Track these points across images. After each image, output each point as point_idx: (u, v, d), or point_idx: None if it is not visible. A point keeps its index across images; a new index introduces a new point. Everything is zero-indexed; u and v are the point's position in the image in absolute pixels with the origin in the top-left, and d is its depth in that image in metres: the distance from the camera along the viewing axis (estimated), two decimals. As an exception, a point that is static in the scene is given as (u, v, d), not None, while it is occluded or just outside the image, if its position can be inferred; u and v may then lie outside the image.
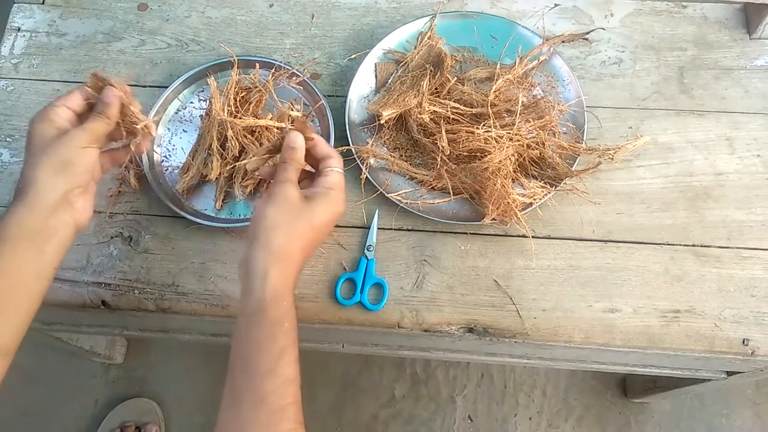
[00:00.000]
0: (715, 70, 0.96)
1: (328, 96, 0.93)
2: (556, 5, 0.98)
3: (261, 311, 0.63)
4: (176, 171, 0.89)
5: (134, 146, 0.74)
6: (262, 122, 0.83)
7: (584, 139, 0.89)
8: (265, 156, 0.72)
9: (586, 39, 0.97)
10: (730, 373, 0.98)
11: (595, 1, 1.01)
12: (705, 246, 0.86)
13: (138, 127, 0.72)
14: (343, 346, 1.01)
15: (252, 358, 0.61)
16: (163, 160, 0.90)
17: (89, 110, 0.71)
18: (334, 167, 0.71)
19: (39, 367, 1.48)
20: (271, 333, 0.62)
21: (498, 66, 0.92)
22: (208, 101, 0.88)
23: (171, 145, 0.91)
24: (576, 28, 0.99)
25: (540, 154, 0.87)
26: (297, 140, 0.70)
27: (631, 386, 1.49)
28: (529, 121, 0.88)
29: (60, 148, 0.66)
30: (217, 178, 0.85)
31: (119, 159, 0.76)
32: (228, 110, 0.84)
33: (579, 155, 0.88)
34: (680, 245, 0.86)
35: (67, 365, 1.49)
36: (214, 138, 0.84)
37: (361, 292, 0.83)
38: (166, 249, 0.86)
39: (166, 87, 0.92)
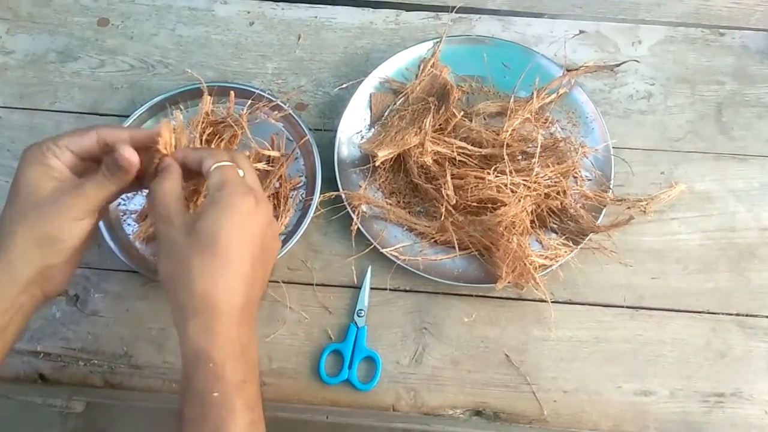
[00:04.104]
0: (758, 108, 0.84)
1: (315, 130, 0.81)
2: (581, 32, 0.85)
3: (185, 382, 0.50)
4: (134, 217, 0.76)
5: None
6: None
7: (611, 186, 0.77)
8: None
9: (614, 71, 0.85)
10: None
11: (620, 27, 0.89)
12: (751, 315, 0.73)
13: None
14: (327, 417, 0.87)
15: None
16: (119, 204, 0.77)
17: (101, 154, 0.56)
18: (212, 165, 0.55)
19: (-9, 415, 1.34)
20: (201, 411, 0.49)
21: (512, 99, 0.79)
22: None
23: (130, 185, 0.78)
24: (599, 57, 0.87)
25: (561, 204, 0.75)
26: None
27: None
28: (548, 166, 0.75)
29: (49, 218, 0.53)
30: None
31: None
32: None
33: (605, 206, 0.75)
34: (723, 314, 0.73)
35: (23, 413, 1.35)
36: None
37: (350, 367, 0.70)
38: (119, 311, 0.72)
39: (128, 116, 0.79)
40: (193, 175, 0.58)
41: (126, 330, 0.72)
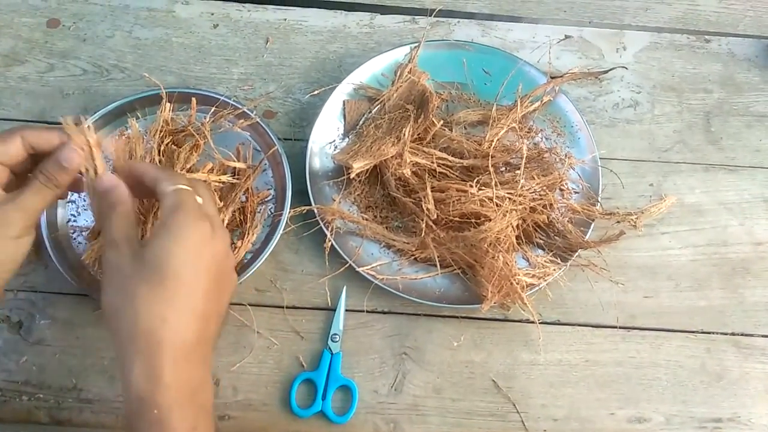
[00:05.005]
0: (747, 117, 0.81)
1: (285, 140, 0.75)
2: (566, 37, 0.81)
3: (128, 429, 0.45)
4: (85, 234, 0.69)
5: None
6: (195, 176, 0.64)
7: (599, 199, 0.73)
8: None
9: (599, 78, 0.81)
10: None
11: (604, 33, 0.86)
12: (747, 335, 0.70)
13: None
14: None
15: None
16: (69, 220, 0.70)
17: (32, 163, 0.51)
18: (168, 187, 0.49)
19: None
20: None
21: (494, 107, 0.75)
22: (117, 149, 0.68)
23: (81, 199, 0.71)
24: (583, 63, 0.83)
25: (547, 218, 0.70)
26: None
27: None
28: (533, 178, 0.71)
29: None
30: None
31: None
32: (152, 159, 0.65)
33: (594, 220, 0.71)
34: (717, 333, 0.70)
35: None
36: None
37: (324, 398, 0.64)
38: (68, 339, 0.66)
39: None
40: (146, 194, 0.52)
41: (75, 360, 0.65)
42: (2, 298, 0.53)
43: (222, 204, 0.67)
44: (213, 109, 0.71)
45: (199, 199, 0.50)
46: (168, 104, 0.69)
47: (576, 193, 0.74)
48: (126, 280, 0.46)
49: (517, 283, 0.64)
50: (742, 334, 0.70)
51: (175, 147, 0.65)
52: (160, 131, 0.65)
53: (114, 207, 0.49)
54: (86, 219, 0.70)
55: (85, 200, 0.71)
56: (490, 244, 0.65)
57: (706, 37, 0.86)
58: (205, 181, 0.66)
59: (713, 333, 0.70)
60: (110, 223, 0.49)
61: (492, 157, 0.70)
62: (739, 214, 0.75)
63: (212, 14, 0.85)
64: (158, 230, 0.47)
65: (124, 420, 0.45)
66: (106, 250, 0.48)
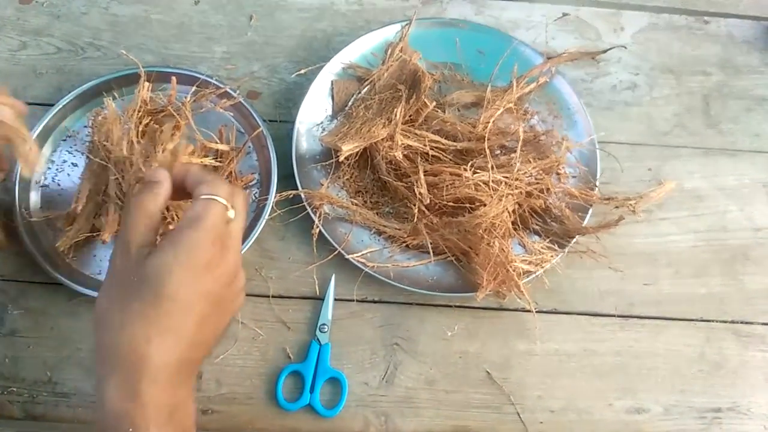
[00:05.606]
0: (746, 100, 0.79)
1: (270, 121, 0.72)
2: (564, 15, 0.79)
3: None
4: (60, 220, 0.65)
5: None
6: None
7: (597, 184, 0.70)
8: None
9: (597, 59, 0.78)
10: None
11: (601, 12, 0.83)
12: (746, 323, 0.68)
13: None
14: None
15: None
16: (42, 206, 0.66)
17: None
18: (202, 194, 0.46)
19: None
20: None
21: (489, 88, 0.72)
22: (95, 129, 0.65)
23: (55, 184, 0.67)
24: (579, 44, 0.80)
25: (544, 203, 0.68)
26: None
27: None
28: (529, 161, 0.68)
29: None
30: (114, 236, 0.62)
31: None
32: (130, 141, 0.61)
33: (592, 205, 0.69)
34: (717, 321, 0.68)
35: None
36: (111, 181, 0.61)
37: (311, 390, 0.61)
38: (42, 330, 0.62)
39: (53, 105, 0.69)
40: (183, 195, 0.49)
41: (50, 352, 0.62)
42: None
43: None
44: (194, 88, 0.67)
45: (231, 213, 0.46)
46: (147, 83, 0.65)
47: (573, 177, 0.71)
48: (121, 289, 0.44)
49: (514, 270, 0.62)
50: (742, 322, 0.68)
51: (156, 126, 0.62)
52: (138, 111, 0.62)
53: (141, 206, 0.46)
54: (60, 205, 0.66)
55: (58, 184, 0.67)
56: (485, 229, 0.63)
57: (705, 18, 0.84)
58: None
59: (713, 321, 0.68)
60: (131, 221, 0.45)
61: (487, 140, 0.67)
62: (739, 200, 0.73)
63: (194, -10, 0.81)
64: (166, 242, 0.44)
65: (95, 429, 0.42)
66: (115, 247, 0.45)
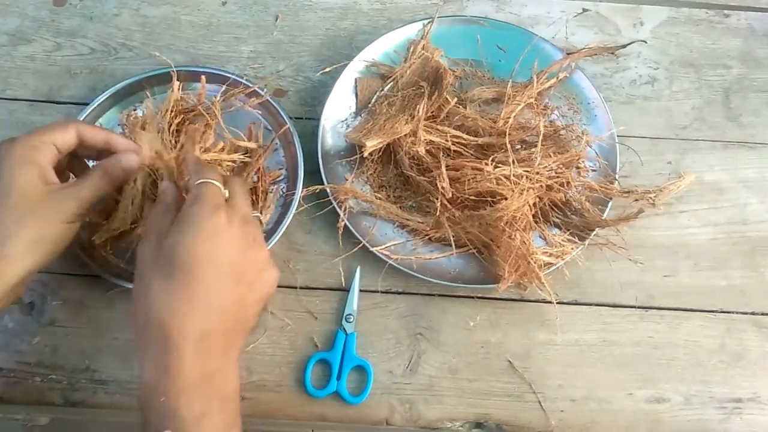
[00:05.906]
0: (767, 93, 0.79)
1: (296, 119, 0.74)
2: (584, 10, 0.80)
3: (141, 414, 0.46)
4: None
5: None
6: (207, 156, 0.63)
7: (617, 177, 0.71)
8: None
9: (616, 54, 0.79)
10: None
11: (620, 8, 0.84)
12: (767, 314, 0.69)
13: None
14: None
15: None
16: (79, 201, 0.69)
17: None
18: (193, 182, 0.51)
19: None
20: None
21: (509, 84, 0.73)
22: (129, 127, 0.67)
23: (91, 180, 0.70)
24: (599, 39, 0.81)
25: (564, 197, 0.69)
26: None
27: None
28: (549, 156, 0.69)
29: (44, 222, 0.52)
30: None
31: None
32: (163, 140, 0.63)
33: (612, 198, 0.70)
34: (737, 313, 0.69)
35: (-18, 425, 1.25)
36: (143, 178, 0.63)
37: (338, 378, 0.63)
38: (80, 321, 0.65)
39: (87, 104, 0.71)
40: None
41: (88, 341, 0.64)
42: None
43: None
44: (223, 88, 0.70)
45: (226, 192, 0.51)
46: (177, 83, 0.67)
47: (593, 171, 0.72)
48: (146, 271, 0.48)
49: (534, 262, 0.63)
50: (762, 314, 0.69)
51: (193, 126, 0.64)
52: (171, 110, 0.64)
53: (158, 201, 0.53)
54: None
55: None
56: (507, 222, 0.64)
57: (725, 11, 0.84)
58: (216, 161, 0.65)
59: (733, 312, 0.68)
60: (151, 215, 0.52)
61: (508, 135, 0.69)
62: (760, 192, 0.74)
63: (220, -9, 0.83)
64: (175, 223, 0.49)
65: (138, 405, 0.46)
66: (141, 239, 0.51)
